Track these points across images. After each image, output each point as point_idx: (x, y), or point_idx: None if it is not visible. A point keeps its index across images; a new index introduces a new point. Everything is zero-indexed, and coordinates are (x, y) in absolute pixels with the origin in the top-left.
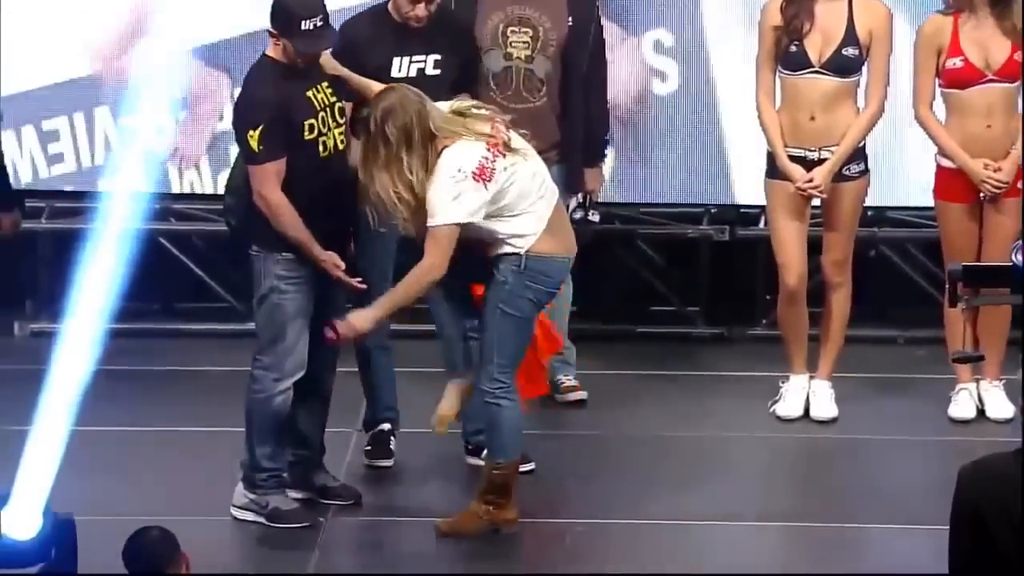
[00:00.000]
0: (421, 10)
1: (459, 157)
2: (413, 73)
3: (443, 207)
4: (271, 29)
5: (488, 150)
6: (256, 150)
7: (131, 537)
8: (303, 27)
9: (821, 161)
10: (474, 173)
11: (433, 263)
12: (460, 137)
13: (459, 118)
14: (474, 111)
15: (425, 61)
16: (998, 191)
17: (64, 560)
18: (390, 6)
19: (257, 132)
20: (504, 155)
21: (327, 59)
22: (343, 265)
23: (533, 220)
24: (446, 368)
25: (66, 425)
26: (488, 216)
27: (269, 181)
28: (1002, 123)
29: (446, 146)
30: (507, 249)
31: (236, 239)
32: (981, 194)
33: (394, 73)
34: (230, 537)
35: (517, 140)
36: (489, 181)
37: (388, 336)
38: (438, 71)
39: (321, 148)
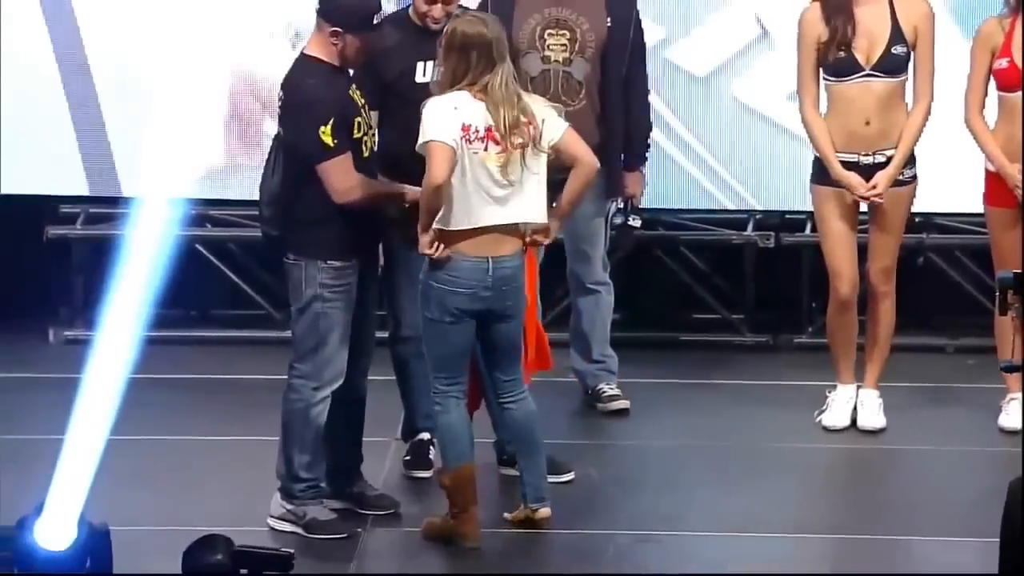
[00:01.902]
0: (437, 10)
1: (467, 106)
2: (438, 77)
3: (427, 125)
4: (336, 28)
5: (485, 132)
6: (332, 144)
7: (196, 547)
8: (375, 20)
9: (876, 165)
10: (464, 124)
11: (431, 173)
12: (485, 101)
13: (511, 99)
14: (520, 108)
15: None
16: None
17: (99, 570)
18: (411, 10)
19: (329, 127)
20: (485, 146)
21: None
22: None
23: (458, 217)
24: None
25: (101, 434)
26: None
27: (350, 172)
28: None
29: (472, 94)
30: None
31: (276, 249)
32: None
33: (418, 78)
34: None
35: (515, 166)
36: (469, 141)
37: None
38: None
39: (364, 148)
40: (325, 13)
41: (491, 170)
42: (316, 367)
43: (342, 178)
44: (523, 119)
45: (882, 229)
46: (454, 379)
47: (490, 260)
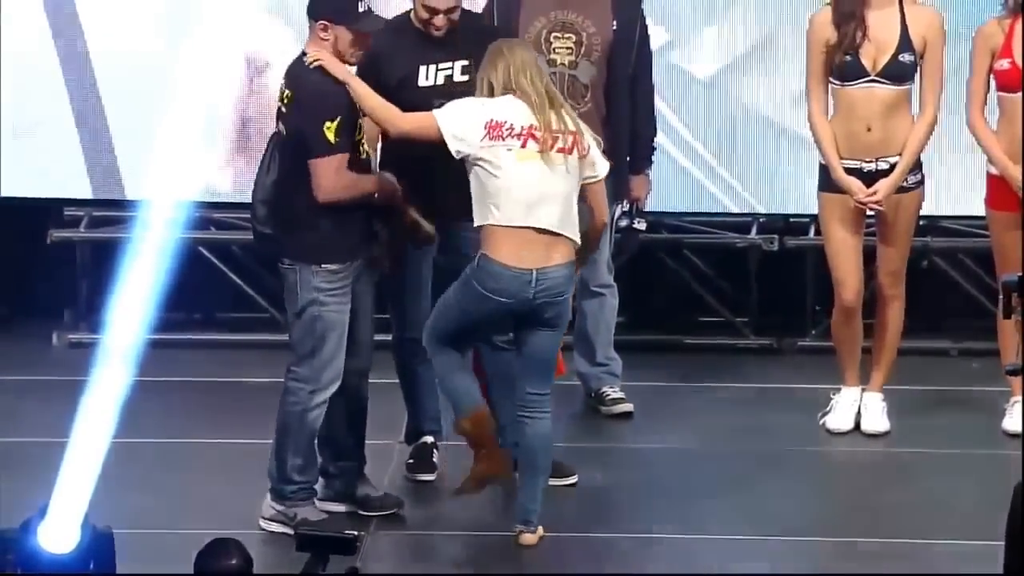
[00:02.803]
0: (440, 20)
1: (506, 106)
2: (441, 81)
3: (446, 107)
4: (324, 21)
5: (525, 129)
6: (333, 141)
7: (209, 552)
8: (360, 8)
9: (878, 172)
10: (491, 121)
11: (404, 120)
12: (524, 98)
13: (544, 96)
14: (564, 113)
15: (452, 68)
16: None
17: (102, 573)
18: (412, 15)
19: (335, 124)
20: (524, 147)
21: None
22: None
23: (494, 212)
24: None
25: (105, 437)
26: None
27: (342, 171)
28: None
29: (515, 96)
30: (478, 218)
31: (269, 249)
32: None
33: (421, 82)
34: (270, 550)
35: (556, 162)
36: (493, 137)
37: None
38: (466, 77)
39: (360, 150)
40: (311, 10)
41: (530, 164)
42: (314, 370)
43: (331, 177)
44: (569, 127)
45: (888, 234)
46: (449, 348)
47: (535, 272)
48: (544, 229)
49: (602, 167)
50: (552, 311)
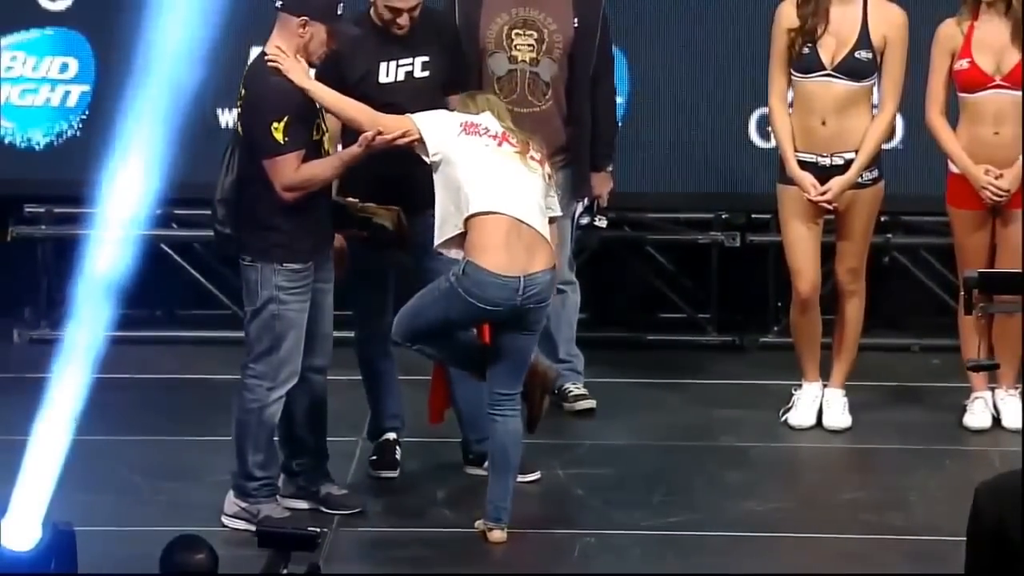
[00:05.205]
0: (404, 19)
1: (482, 116)
2: (401, 77)
3: (424, 112)
4: (304, 16)
5: (497, 133)
6: (281, 141)
7: (176, 548)
8: (339, 11)
9: (833, 167)
10: (466, 122)
11: (384, 118)
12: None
13: (511, 127)
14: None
15: (412, 64)
16: (998, 199)
17: (64, 571)
18: (372, 12)
19: (282, 124)
20: (499, 146)
21: None
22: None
23: (472, 202)
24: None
25: (66, 434)
26: (440, 167)
27: (291, 170)
28: (1011, 131)
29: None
30: (451, 228)
31: (230, 249)
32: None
33: (382, 79)
34: (232, 547)
35: (534, 167)
36: (469, 133)
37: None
38: (427, 73)
39: (322, 152)
40: (292, 5)
41: (508, 159)
42: (271, 367)
43: (287, 176)
44: (537, 148)
45: (846, 230)
46: (423, 340)
47: (522, 279)
48: (523, 221)
49: (556, 208)
50: (535, 316)
